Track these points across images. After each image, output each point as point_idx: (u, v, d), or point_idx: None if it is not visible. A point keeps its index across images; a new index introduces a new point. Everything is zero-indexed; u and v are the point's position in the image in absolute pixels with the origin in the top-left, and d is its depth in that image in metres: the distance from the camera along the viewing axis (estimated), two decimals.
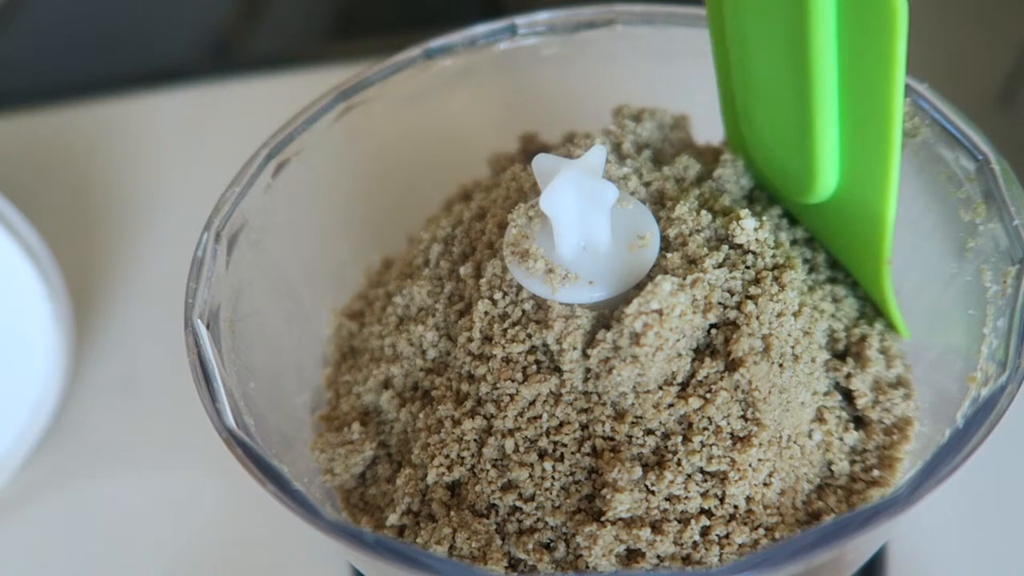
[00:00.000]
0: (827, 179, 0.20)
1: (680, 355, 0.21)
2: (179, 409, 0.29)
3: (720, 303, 0.21)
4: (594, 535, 0.20)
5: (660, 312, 0.20)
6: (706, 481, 0.21)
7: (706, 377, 0.21)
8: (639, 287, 0.21)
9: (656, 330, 0.20)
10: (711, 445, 0.20)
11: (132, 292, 0.40)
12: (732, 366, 0.21)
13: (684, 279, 0.21)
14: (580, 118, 0.28)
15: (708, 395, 0.21)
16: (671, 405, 0.21)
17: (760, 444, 0.21)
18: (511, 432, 0.21)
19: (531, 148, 0.28)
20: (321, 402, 0.27)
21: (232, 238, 0.24)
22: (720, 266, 0.22)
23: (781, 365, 0.21)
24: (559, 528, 0.21)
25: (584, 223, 0.21)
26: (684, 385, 0.21)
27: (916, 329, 0.25)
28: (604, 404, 0.21)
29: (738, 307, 0.21)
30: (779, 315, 0.21)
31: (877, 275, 0.22)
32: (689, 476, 0.20)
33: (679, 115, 0.28)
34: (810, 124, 0.19)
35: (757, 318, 0.21)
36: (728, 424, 0.21)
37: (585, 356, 0.21)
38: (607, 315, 0.21)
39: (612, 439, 0.21)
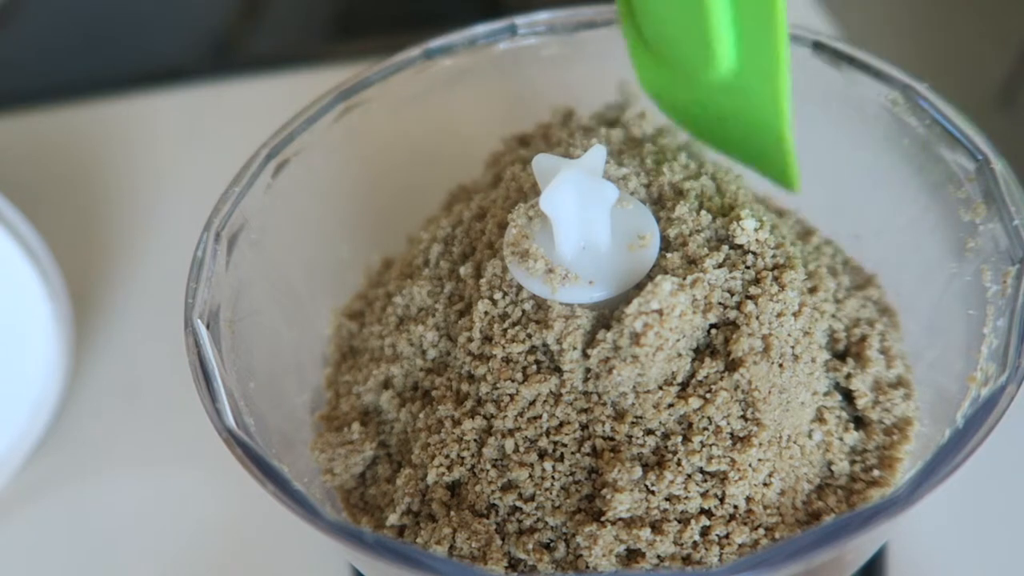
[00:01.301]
0: (723, 50, 0.21)
1: (680, 355, 0.21)
2: (179, 409, 0.29)
3: (720, 303, 0.21)
4: (594, 535, 0.20)
5: (660, 312, 0.20)
6: (706, 481, 0.21)
7: (706, 377, 0.21)
8: (639, 287, 0.21)
9: (656, 330, 0.20)
10: (711, 445, 0.20)
11: (132, 292, 0.40)
12: (732, 366, 0.21)
13: (684, 279, 0.21)
14: (579, 118, 0.28)
15: (708, 395, 0.21)
16: (671, 405, 0.21)
17: (760, 444, 0.21)
18: (511, 432, 0.21)
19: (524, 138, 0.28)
20: (321, 402, 0.27)
21: (232, 238, 0.24)
22: (720, 266, 0.21)
23: (781, 365, 0.21)
24: (559, 528, 0.21)
25: (584, 223, 0.21)
26: (684, 385, 0.21)
27: (916, 329, 0.25)
28: (604, 404, 0.21)
29: (738, 307, 0.21)
30: (779, 315, 0.21)
31: (780, 139, 0.22)
32: (689, 476, 0.20)
33: None
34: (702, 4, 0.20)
35: (757, 318, 0.21)
36: (728, 424, 0.21)
37: (585, 356, 0.21)
38: (607, 315, 0.21)
39: (612, 439, 0.21)
